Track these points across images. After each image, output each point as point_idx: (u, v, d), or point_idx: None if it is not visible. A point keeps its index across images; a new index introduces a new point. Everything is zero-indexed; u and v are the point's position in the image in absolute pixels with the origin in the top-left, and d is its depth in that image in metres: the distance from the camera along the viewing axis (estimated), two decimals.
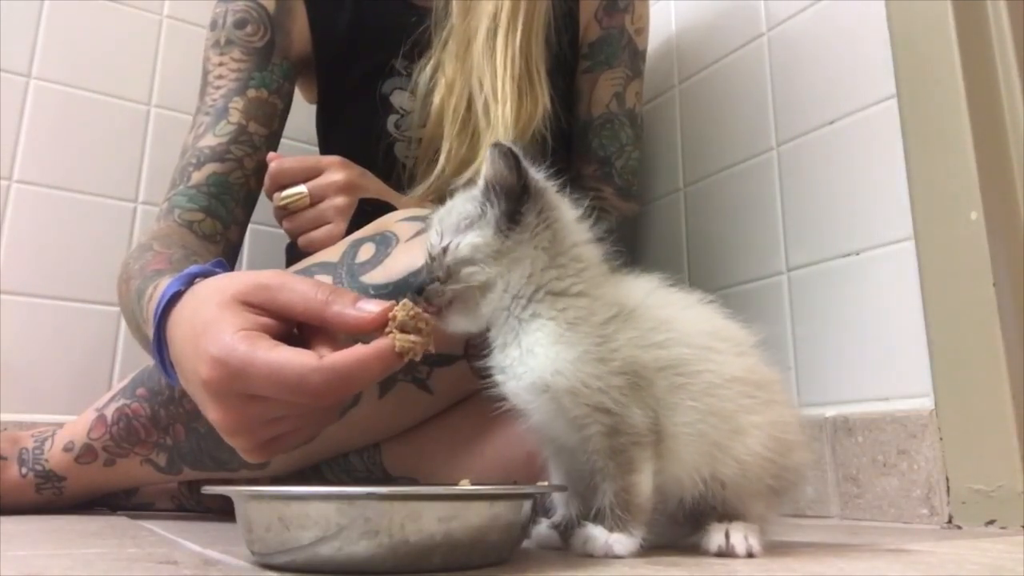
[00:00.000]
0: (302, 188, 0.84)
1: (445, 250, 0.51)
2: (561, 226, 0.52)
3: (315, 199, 0.84)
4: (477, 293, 0.51)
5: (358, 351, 0.48)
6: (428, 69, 0.92)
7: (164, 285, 0.59)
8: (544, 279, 0.51)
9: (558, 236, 0.52)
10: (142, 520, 0.77)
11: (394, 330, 0.49)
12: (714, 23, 1.20)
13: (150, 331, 0.59)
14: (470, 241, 0.51)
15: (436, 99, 0.90)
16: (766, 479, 0.51)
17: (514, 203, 0.51)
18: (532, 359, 0.49)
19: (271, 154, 0.88)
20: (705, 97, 1.20)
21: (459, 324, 0.52)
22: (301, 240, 0.85)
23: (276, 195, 0.86)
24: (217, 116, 0.90)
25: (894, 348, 0.88)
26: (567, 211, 0.54)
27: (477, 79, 0.88)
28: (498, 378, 0.52)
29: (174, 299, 0.57)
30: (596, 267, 0.53)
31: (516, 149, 0.50)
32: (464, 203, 0.53)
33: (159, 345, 0.58)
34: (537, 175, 0.52)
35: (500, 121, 0.86)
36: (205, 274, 0.59)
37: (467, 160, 0.87)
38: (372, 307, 0.50)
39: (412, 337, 0.49)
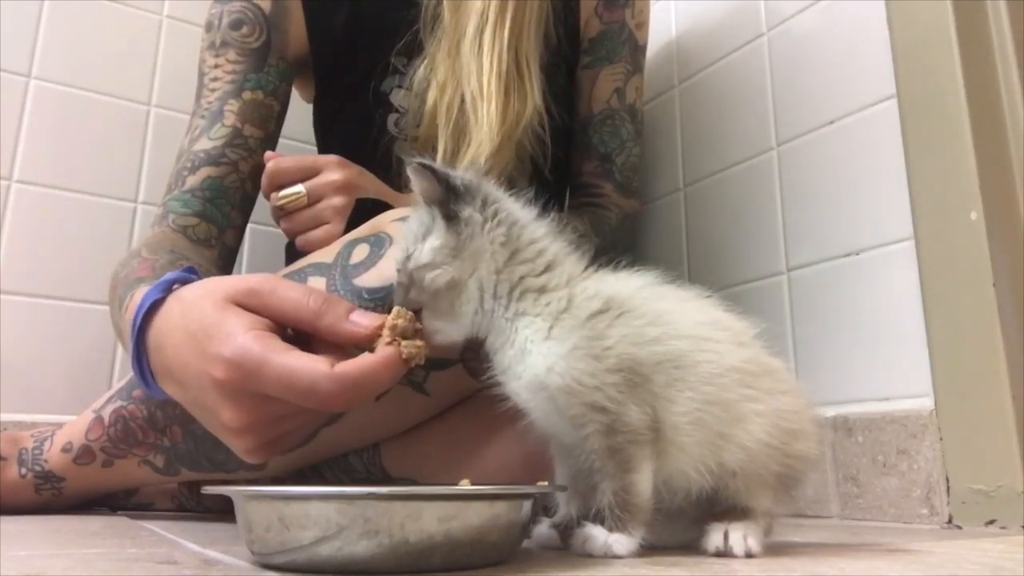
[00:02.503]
0: (300, 188, 0.84)
1: (408, 259, 0.52)
2: (512, 220, 0.53)
3: (313, 199, 0.84)
4: (449, 296, 0.51)
5: (367, 361, 0.48)
6: (422, 68, 0.91)
7: (141, 295, 0.58)
8: (515, 275, 0.52)
9: (512, 230, 0.52)
10: (142, 520, 0.77)
11: (397, 338, 0.49)
12: (714, 23, 1.20)
13: (128, 341, 0.58)
14: (429, 246, 0.51)
15: (429, 99, 0.89)
16: (772, 467, 0.50)
17: (446, 205, 0.52)
18: (528, 357, 0.50)
19: (268, 153, 0.87)
20: (705, 97, 1.20)
21: (443, 332, 0.52)
22: (299, 240, 0.84)
23: (273, 195, 0.85)
24: (212, 119, 0.89)
25: (894, 348, 0.88)
26: (517, 209, 0.54)
27: (466, 77, 0.87)
28: (499, 379, 0.52)
29: (154, 307, 0.56)
30: (566, 261, 0.54)
31: (427, 161, 0.52)
32: (418, 215, 0.54)
33: (138, 355, 0.57)
34: (463, 174, 0.53)
35: (486, 120, 0.85)
36: (182, 280, 0.58)
37: (461, 159, 0.87)
38: (366, 321, 0.50)
39: (417, 342, 0.50)
